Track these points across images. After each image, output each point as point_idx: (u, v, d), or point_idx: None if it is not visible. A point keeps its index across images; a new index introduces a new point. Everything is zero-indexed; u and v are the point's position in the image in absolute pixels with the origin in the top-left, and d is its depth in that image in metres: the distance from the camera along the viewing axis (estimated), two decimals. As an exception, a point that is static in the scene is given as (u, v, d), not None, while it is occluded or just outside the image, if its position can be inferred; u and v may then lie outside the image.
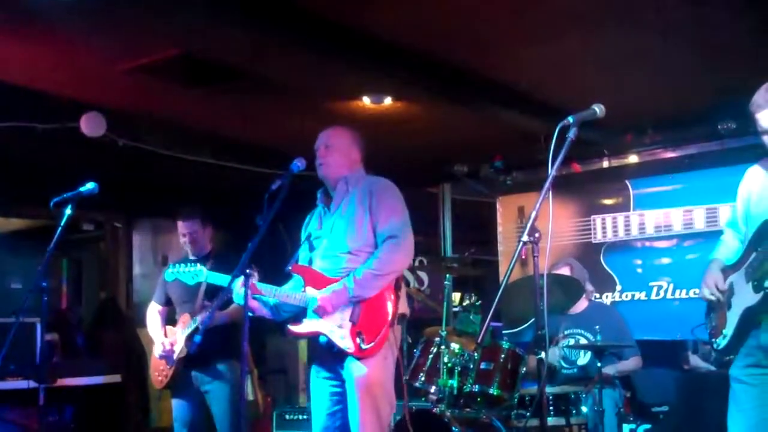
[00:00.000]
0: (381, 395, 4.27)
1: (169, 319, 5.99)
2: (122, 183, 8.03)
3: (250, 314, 4.14)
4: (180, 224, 5.91)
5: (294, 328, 4.37)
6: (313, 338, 4.44)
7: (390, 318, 4.27)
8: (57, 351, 7.86)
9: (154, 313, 6.01)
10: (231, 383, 5.63)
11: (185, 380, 5.71)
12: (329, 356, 4.38)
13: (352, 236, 4.39)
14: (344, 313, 4.27)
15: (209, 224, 5.97)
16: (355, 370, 4.24)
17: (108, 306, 9.57)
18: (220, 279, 4.67)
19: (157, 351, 5.76)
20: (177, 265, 5.06)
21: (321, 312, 4.26)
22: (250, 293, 4.17)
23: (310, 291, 4.35)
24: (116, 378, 7.65)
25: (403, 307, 4.43)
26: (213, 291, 5.37)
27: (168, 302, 5.98)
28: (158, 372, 5.80)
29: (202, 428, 5.79)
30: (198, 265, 4.95)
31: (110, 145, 7.09)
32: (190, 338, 5.58)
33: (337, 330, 4.26)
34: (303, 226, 4.73)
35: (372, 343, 4.20)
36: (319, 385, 4.46)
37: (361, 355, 4.21)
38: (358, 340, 4.20)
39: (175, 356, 5.66)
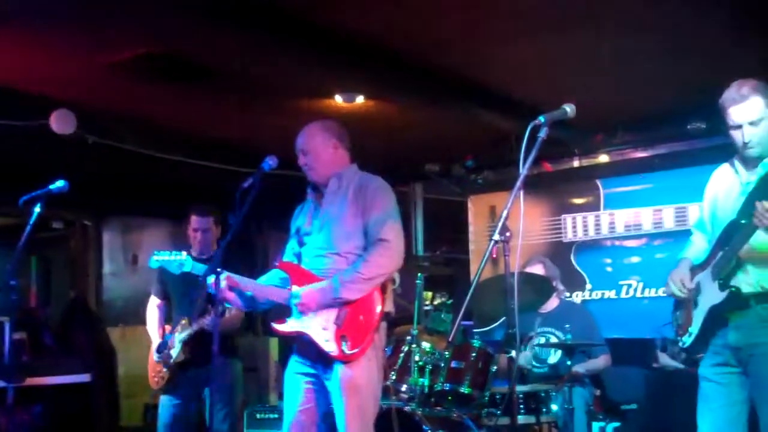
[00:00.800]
0: (366, 397, 4.19)
1: (169, 317, 5.99)
2: (92, 181, 7.96)
3: (227, 305, 4.14)
4: (194, 218, 5.87)
5: (278, 326, 4.27)
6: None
7: (376, 323, 4.18)
8: (26, 350, 7.80)
9: (153, 308, 5.99)
10: (228, 381, 5.66)
11: (181, 381, 5.71)
12: (312, 353, 4.28)
13: (341, 237, 4.28)
14: (329, 314, 4.17)
15: (219, 225, 5.93)
16: (340, 373, 4.15)
17: (77, 305, 9.50)
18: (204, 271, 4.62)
19: (154, 356, 5.77)
20: (161, 252, 4.85)
21: (304, 309, 4.17)
22: (226, 286, 4.16)
23: (296, 290, 4.26)
24: (86, 377, 7.60)
25: (389, 306, 4.34)
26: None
27: (166, 296, 5.95)
28: (154, 373, 5.79)
29: (189, 427, 5.78)
30: (183, 253, 4.86)
31: (80, 143, 7.05)
32: (186, 345, 5.60)
33: (321, 332, 4.16)
34: (292, 218, 4.60)
35: (356, 348, 4.11)
36: (295, 380, 4.36)
37: (345, 359, 4.13)
38: (342, 343, 4.11)
39: (171, 360, 5.65)
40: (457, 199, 9.32)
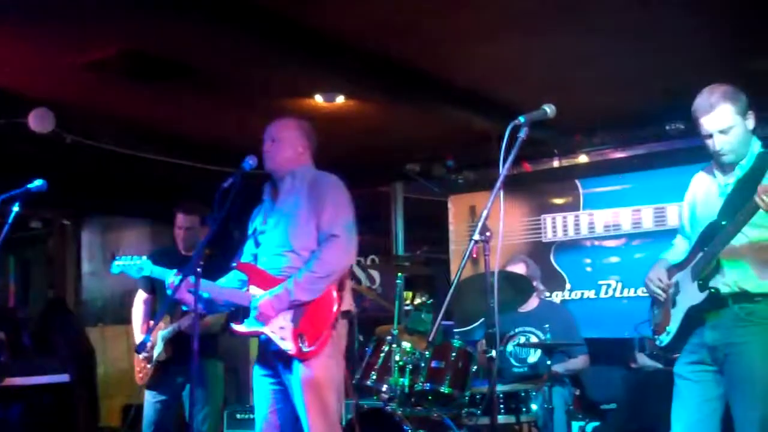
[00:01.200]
0: (327, 394, 4.19)
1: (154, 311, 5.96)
2: (71, 180, 7.93)
3: (184, 308, 4.14)
4: (180, 216, 5.88)
5: (237, 328, 4.29)
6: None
7: (333, 320, 4.19)
8: (4, 350, 7.75)
9: (139, 303, 5.98)
10: (208, 381, 5.65)
11: (165, 378, 5.70)
12: (270, 354, 4.31)
13: (295, 233, 4.29)
14: (286, 313, 4.19)
15: (205, 224, 5.93)
16: (299, 371, 4.16)
17: (56, 304, 9.46)
18: (165, 274, 4.63)
19: (136, 353, 5.75)
20: (122, 257, 4.95)
21: (263, 318, 4.17)
22: (185, 287, 4.16)
23: (254, 290, 4.28)
24: (64, 377, 7.56)
25: (348, 304, 4.35)
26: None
27: (153, 290, 5.93)
28: (139, 368, 5.79)
29: (171, 426, 5.77)
30: (144, 257, 4.91)
31: (59, 142, 7.01)
32: (169, 343, 5.59)
33: (278, 331, 4.18)
34: (250, 220, 4.62)
35: (313, 346, 4.12)
36: (261, 382, 4.38)
37: (303, 357, 4.14)
38: (299, 341, 4.12)
39: (154, 357, 5.63)
40: (437, 199, 9.33)
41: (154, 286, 5.90)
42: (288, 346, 4.16)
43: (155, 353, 5.65)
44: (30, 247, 10.47)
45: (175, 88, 6.52)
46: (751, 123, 3.93)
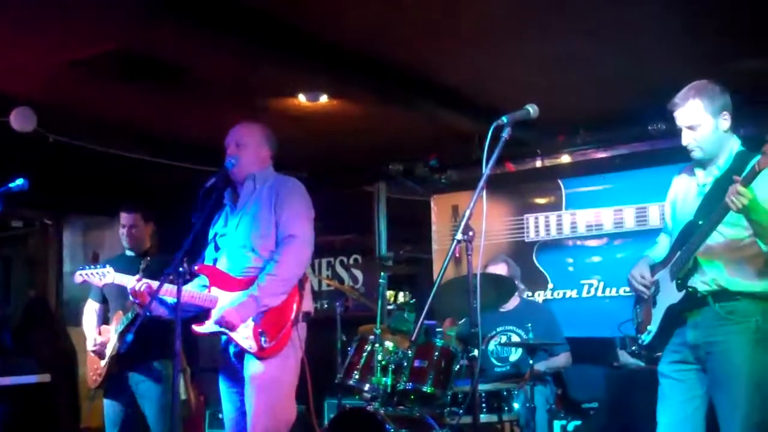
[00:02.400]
0: (279, 395, 4.21)
1: (107, 319, 5.91)
2: (52, 179, 7.89)
3: (147, 314, 4.14)
4: (122, 215, 5.90)
5: (198, 329, 4.31)
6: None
7: (293, 317, 4.21)
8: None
9: (90, 311, 5.94)
10: (165, 382, 5.57)
11: (119, 380, 5.65)
12: (228, 359, 4.35)
13: (256, 234, 4.32)
14: None
15: (151, 221, 5.95)
16: (253, 368, 4.19)
17: (37, 304, 9.41)
18: (127, 281, 4.64)
19: (89, 348, 5.71)
20: (85, 267, 5.06)
21: (229, 327, 4.17)
22: (146, 290, 4.17)
23: (216, 291, 4.30)
24: (46, 377, 7.53)
25: (308, 305, 4.38)
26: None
27: (105, 299, 5.91)
28: (92, 371, 5.74)
29: (133, 429, 5.73)
30: (107, 266, 4.95)
31: (41, 141, 6.98)
32: (122, 336, 5.52)
33: (241, 330, 4.19)
34: (211, 225, 4.64)
35: (274, 342, 4.15)
36: (225, 390, 4.44)
37: (262, 355, 4.16)
38: (261, 339, 4.15)
39: (107, 354, 5.60)
40: (420, 199, 9.34)
41: (104, 296, 5.89)
42: (250, 344, 4.18)
43: (108, 350, 5.62)
44: (11, 247, 10.39)
45: (156, 87, 6.50)
46: (724, 123, 3.94)
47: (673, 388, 4.04)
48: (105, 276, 4.90)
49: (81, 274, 5.02)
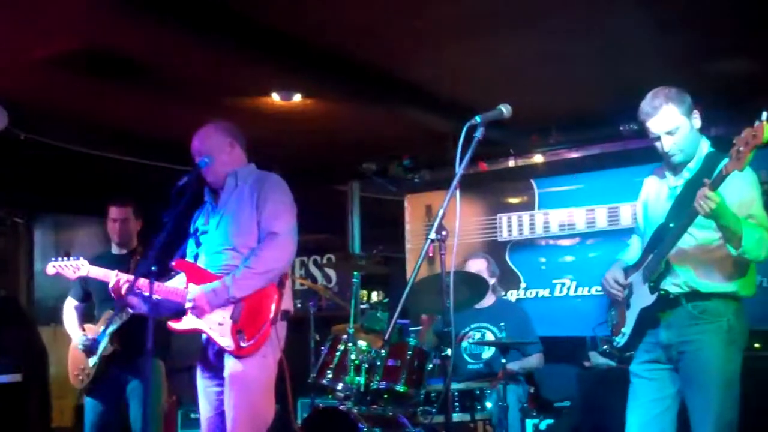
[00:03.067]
0: (258, 395, 4.19)
1: (88, 317, 5.86)
2: (23, 178, 7.84)
3: (130, 311, 4.12)
4: (112, 209, 5.86)
5: (175, 325, 4.28)
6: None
7: (272, 316, 4.18)
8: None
9: (70, 308, 5.89)
10: (154, 380, 5.56)
11: (106, 379, 5.62)
12: (210, 355, 4.32)
13: (237, 232, 4.30)
14: (225, 310, 4.19)
15: (141, 218, 5.91)
16: (232, 367, 4.16)
17: (7, 303, 9.32)
18: (102, 274, 4.61)
19: (78, 344, 5.65)
20: (58, 258, 4.99)
21: (198, 312, 4.17)
22: (128, 287, 4.14)
23: (193, 288, 4.26)
24: (16, 377, 7.47)
25: (288, 304, 4.36)
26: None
27: (85, 298, 5.86)
28: (78, 371, 5.68)
29: (114, 428, 5.70)
30: (81, 258, 4.90)
31: (12, 139, 6.92)
32: (115, 334, 5.52)
33: (217, 328, 4.18)
34: (191, 221, 4.62)
35: (252, 341, 4.12)
36: (203, 385, 4.39)
37: (240, 354, 4.13)
38: (238, 338, 4.12)
39: (98, 353, 5.56)
40: (394, 198, 9.35)
41: (87, 295, 5.84)
42: (226, 342, 4.16)
43: (99, 349, 5.58)
44: (-19, 245, 10.32)
45: (130, 86, 6.46)
46: (697, 122, 3.98)
47: (644, 387, 4.07)
48: (79, 269, 4.85)
49: (54, 266, 4.95)
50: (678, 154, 3.98)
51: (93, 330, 5.66)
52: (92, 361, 5.60)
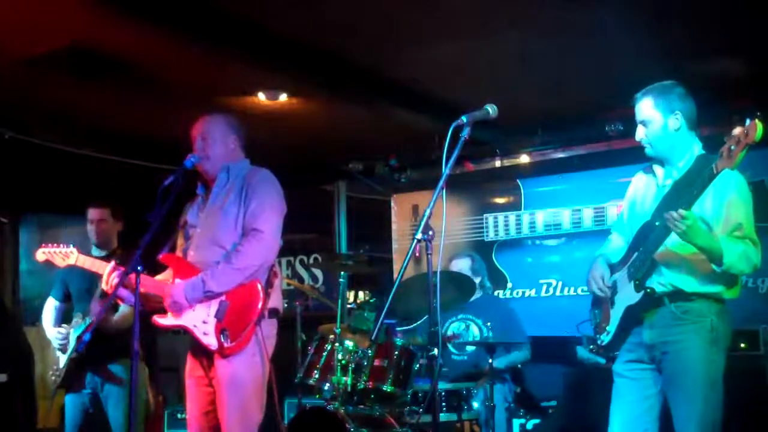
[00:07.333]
0: (248, 395, 4.16)
1: (68, 317, 5.83)
2: (8, 177, 7.80)
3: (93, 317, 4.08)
4: (90, 210, 5.82)
5: (160, 320, 4.24)
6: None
7: (257, 315, 4.14)
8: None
9: (49, 308, 5.86)
10: (126, 384, 5.52)
11: (79, 380, 5.59)
12: (198, 355, 4.29)
13: (225, 229, 4.27)
14: (210, 308, 4.16)
15: (120, 219, 5.87)
16: (221, 368, 4.14)
17: (-8, 303, 9.28)
18: (95, 265, 4.57)
19: (55, 343, 5.63)
20: (48, 245, 4.90)
21: (175, 307, 4.14)
22: (118, 281, 4.11)
23: (177, 282, 4.24)
24: (2, 377, 7.43)
25: (276, 303, 4.32)
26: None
27: (66, 298, 5.83)
28: (52, 371, 5.66)
29: (94, 429, 5.67)
30: (71, 246, 4.85)
31: (-4, 138, 6.91)
32: (80, 337, 5.46)
33: (201, 326, 4.15)
34: (181, 214, 4.59)
35: (236, 341, 4.09)
36: (192, 388, 4.35)
37: (224, 353, 4.11)
38: (222, 337, 4.08)
39: (67, 354, 5.54)
40: (380, 198, 9.35)
41: (67, 296, 5.82)
42: (210, 341, 4.13)
43: (69, 350, 5.56)
44: (-34, 245, 10.27)
45: (116, 85, 6.45)
46: (673, 123, 3.97)
47: (627, 386, 4.08)
48: (69, 256, 4.76)
49: (44, 252, 4.85)
50: (647, 146, 4.04)
51: (66, 329, 5.64)
52: (63, 361, 5.59)
